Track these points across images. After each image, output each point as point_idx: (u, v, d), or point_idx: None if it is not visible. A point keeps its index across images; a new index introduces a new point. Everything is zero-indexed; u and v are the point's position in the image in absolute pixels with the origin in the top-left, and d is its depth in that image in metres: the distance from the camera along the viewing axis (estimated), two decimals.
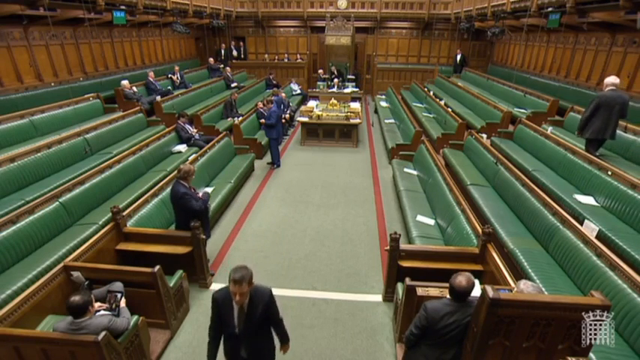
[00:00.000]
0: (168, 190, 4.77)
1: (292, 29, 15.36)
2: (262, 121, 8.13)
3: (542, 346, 2.20)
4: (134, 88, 8.93)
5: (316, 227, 5.42)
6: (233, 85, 12.25)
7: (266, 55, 15.37)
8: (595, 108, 5.07)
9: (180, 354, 3.35)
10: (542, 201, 4.34)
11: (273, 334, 2.53)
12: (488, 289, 2.08)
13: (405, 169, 6.62)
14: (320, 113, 9.01)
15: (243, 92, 11.24)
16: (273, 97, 9.31)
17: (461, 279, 2.26)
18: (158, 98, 8.92)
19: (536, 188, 4.63)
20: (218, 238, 5.10)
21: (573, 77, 8.68)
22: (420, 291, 3.05)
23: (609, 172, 4.55)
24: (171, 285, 3.44)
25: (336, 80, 12.12)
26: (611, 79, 5.12)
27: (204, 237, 3.97)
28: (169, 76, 10.77)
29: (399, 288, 3.48)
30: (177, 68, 11.03)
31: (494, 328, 2.14)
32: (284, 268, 4.52)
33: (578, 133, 5.52)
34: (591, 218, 4.10)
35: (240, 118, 8.57)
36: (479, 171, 6.16)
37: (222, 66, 13.44)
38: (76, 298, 2.55)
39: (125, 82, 8.78)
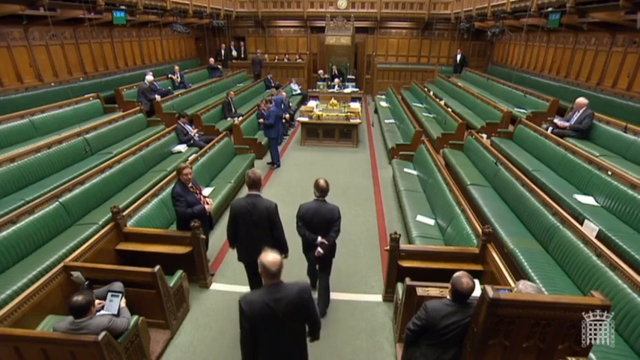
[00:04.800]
0: (168, 190, 4.79)
1: (292, 29, 15.36)
2: (261, 120, 8.13)
3: (542, 346, 2.20)
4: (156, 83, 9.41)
5: None
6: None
7: (266, 55, 15.36)
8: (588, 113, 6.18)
9: (180, 354, 3.35)
10: (542, 201, 4.34)
11: None
12: (488, 289, 2.08)
13: (405, 169, 6.62)
14: (320, 113, 9.01)
15: (242, 92, 11.24)
16: (273, 97, 9.31)
17: (467, 280, 2.26)
18: (158, 98, 8.93)
19: (536, 188, 4.62)
20: (218, 238, 5.09)
21: (573, 77, 8.68)
22: (420, 291, 3.04)
23: (609, 172, 4.55)
24: (171, 285, 3.45)
25: (336, 80, 12.13)
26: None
27: (204, 237, 3.97)
28: (169, 76, 10.77)
29: (399, 288, 3.48)
30: (177, 68, 11.02)
31: (494, 328, 2.14)
32: (284, 268, 4.50)
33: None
34: (591, 218, 4.09)
35: (240, 118, 8.57)
36: (479, 171, 6.16)
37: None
38: (78, 299, 2.55)
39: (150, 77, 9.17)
